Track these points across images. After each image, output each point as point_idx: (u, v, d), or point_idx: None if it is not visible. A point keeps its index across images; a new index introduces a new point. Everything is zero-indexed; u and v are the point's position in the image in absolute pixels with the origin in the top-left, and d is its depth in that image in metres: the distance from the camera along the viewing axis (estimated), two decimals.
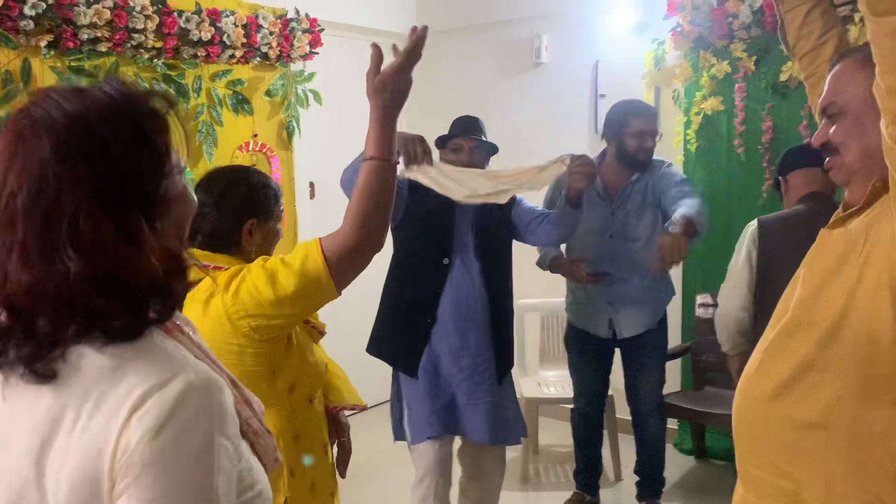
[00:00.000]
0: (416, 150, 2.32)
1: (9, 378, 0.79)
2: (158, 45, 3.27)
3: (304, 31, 3.80)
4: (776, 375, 1.20)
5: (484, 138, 2.60)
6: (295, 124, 3.92)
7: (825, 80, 1.29)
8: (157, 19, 3.19)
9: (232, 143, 3.67)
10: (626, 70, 3.88)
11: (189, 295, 1.14)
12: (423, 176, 2.32)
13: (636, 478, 3.23)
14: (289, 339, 1.47)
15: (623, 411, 3.35)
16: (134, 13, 3.10)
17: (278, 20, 3.70)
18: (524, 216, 2.61)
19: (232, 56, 3.56)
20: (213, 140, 3.55)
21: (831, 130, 1.25)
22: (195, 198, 0.87)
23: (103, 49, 3.11)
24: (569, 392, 3.33)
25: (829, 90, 1.26)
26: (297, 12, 3.79)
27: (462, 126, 2.60)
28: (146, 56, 3.25)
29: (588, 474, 3.25)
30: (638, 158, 2.89)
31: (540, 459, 3.84)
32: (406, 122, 4.76)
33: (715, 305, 3.55)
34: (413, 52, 1.30)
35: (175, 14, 3.27)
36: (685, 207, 2.63)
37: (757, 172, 3.50)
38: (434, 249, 2.51)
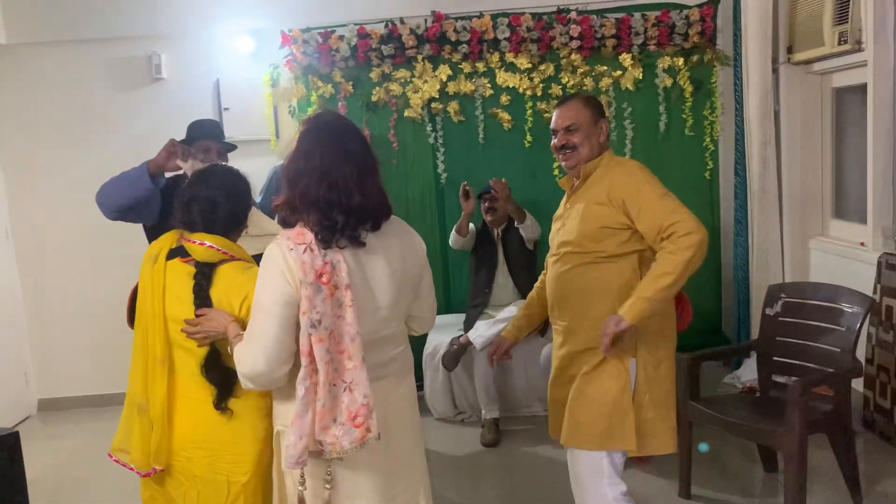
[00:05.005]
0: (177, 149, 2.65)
1: (359, 247, 1.67)
2: None
3: None
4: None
5: (224, 140, 3.07)
6: None
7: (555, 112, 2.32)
8: None
9: None
10: (247, 87, 4.61)
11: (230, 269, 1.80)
12: None
13: None
14: None
15: None
16: None
17: None
18: None
19: None
20: None
21: (571, 137, 2.25)
22: None
23: None
24: None
25: (570, 115, 2.25)
26: None
27: (207, 129, 3.04)
28: None
29: None
30: None
31: None
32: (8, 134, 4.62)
33: None
34: None
35: None
36: None
37: None
38: None
